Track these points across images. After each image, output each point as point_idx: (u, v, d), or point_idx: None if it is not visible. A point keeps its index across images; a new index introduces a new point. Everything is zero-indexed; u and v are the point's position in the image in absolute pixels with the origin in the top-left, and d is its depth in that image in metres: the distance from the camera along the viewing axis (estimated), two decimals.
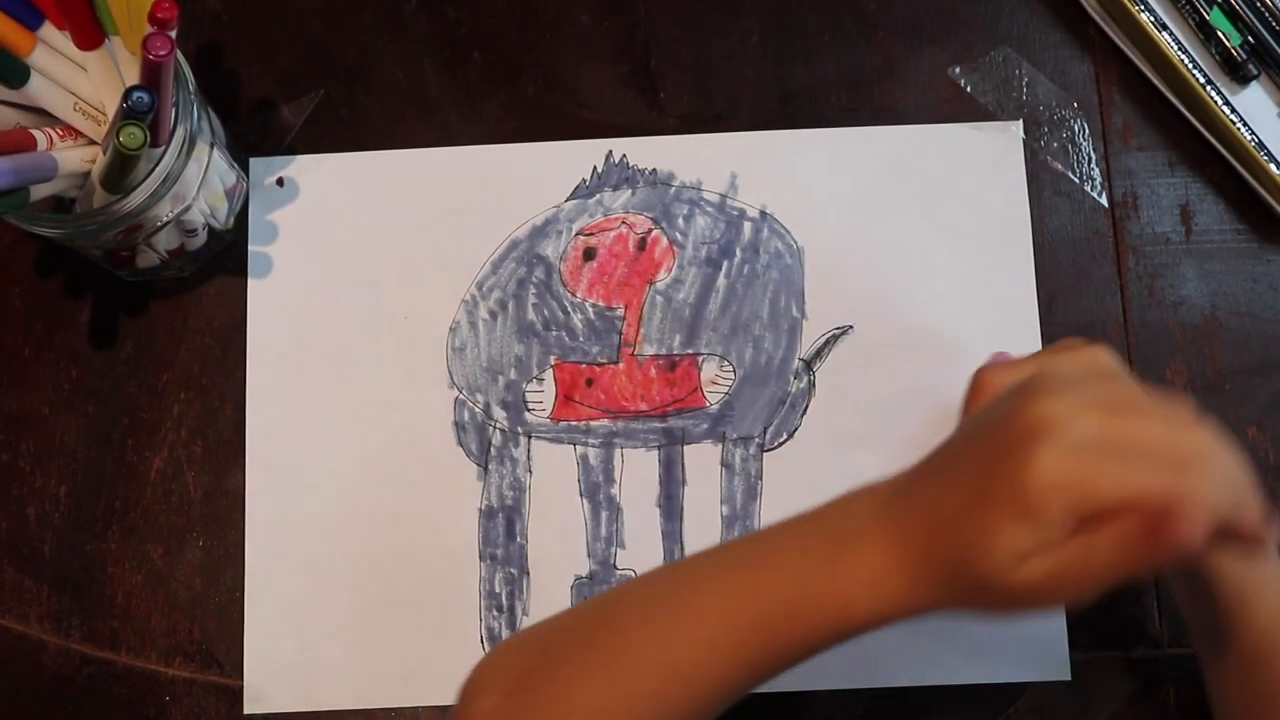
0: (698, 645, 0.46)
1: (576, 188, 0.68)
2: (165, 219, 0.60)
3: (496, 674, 0.50)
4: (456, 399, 0.66)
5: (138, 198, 0.57)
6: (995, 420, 0.42)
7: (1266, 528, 0.41)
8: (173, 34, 0.54)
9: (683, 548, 0.64)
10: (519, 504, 0.65)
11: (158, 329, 0.67)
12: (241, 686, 0.63)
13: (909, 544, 0.43)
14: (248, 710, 0.63)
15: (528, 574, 0.64)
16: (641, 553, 0.64)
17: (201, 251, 0.66)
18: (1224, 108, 0.66)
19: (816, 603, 0.44)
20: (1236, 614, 0.50)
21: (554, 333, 0.66)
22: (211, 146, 0.61)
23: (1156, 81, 0.68)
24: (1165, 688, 0.62)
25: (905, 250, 0.67)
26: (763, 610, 0.45)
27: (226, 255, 0.68)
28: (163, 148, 0.57)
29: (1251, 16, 0.67)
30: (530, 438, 0.65)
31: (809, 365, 0.66)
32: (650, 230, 0.68)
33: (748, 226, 0.67)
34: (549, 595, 0.64)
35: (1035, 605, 0.41)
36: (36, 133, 0.58)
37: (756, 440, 0.65)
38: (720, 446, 0.65)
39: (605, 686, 0.47)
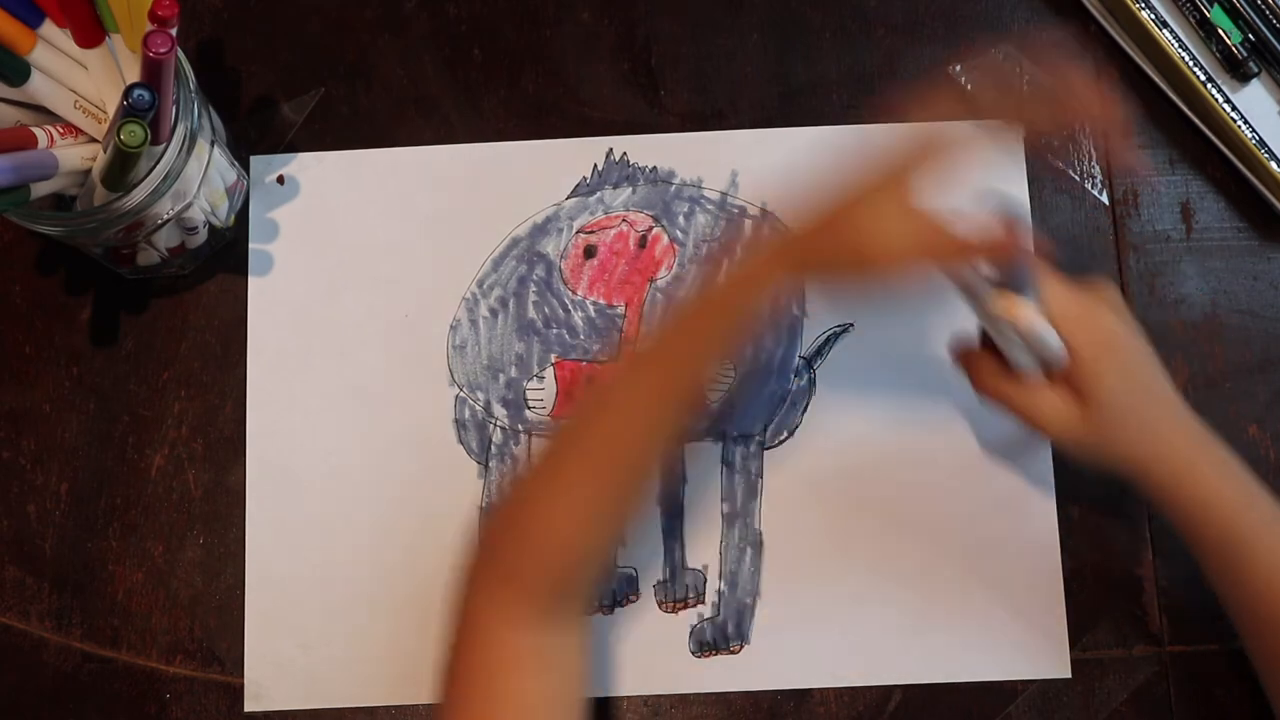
0: (647, 394, 0.55)
1: (577, 186, 0.68)
2: (166, 217, 0.60)
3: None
4: (457, 397, 0.66)
5: (138, 195, 0.57)
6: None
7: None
8: (173, 32, 0.54)
9: (683, 545, 0.64)
10: None
11: (158, 327, 0.67)
12: (242, 684, 0.63)
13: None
14: (248, 708, 0.63)
15: None
16: (642, 550, 0.64)
17: (202, 249, 0.66)
18: (1224, 105, 0.66)
19: (717, 303, 0.55)
20: (1234, 565, 0.56)
21: (555, 330, 0.66)
22: (212, 144, 0.61)
23: (1157, 79, 0.68)
24: (1165, 686, 0.62)
25: None
26: (682, 327, 0.55)
27: (227, 253, 0.68)
28: (163, 145, 0.57)
29: (1252, 14, 0.67)
30: (531, 435, 0.65)
31: (809, 363, 0.66)
32: (651, 228, 0.68)
33: (748, 224, 0.67)
34: None
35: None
36: (37, 130, 0.58)
37: (757, 438, 0.65)
38: (721, 444, 0.65)
39: (576, 466, 0.55)
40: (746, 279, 0.54)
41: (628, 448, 0.55)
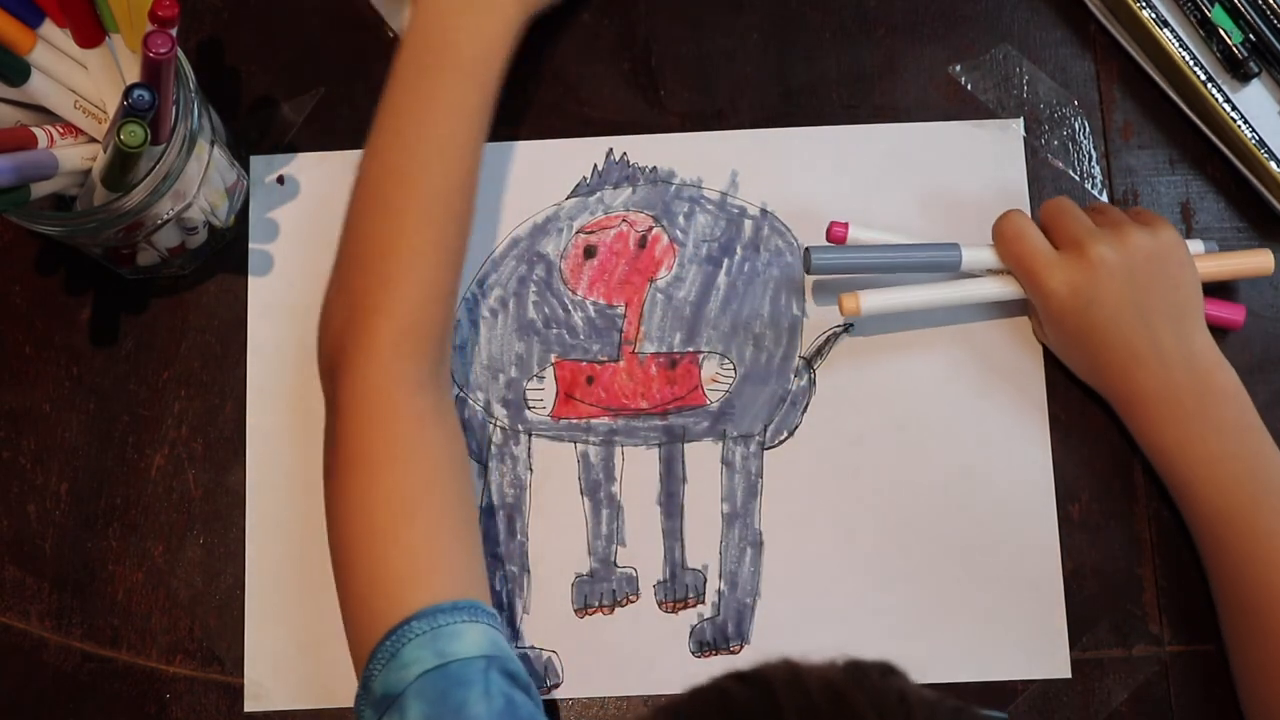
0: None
1: (577, 185, 0.68)
2: (166, 217, 0.60)
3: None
4: (457, 396, 0.66)
5: (138, 195, 0.57)
6: None
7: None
8: (173, 32, 0.54)
9: (683, 546, 0.64)
10: (519, 502, 0.65)
11: (158, 327, 0.67)
12: (242, 684, 0.63)
13: None
14: (248, 708, 0.63)
15: (528, 572, 0.64)
16: (642, 550, 0.64)
17: (202, 249, 0.66)
18: (1225, 105, 0.66)
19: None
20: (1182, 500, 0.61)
21: (555, 330, 0.66)
22: (212, 144, 0.61)
23: (1157, 79, 0.68)
24: (1165, 686, 0.62)
25: None
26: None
27: (227, 253, 0.68)
28: (163, 145, 0.57)
29: (1253, 14, 0.67)
30: (531, 436, 0.65)
31: (809, 363, 0.66)
32: (651, 228, 0.68)
33: (748, 224, 0.67)
34: (549, 593, 0.64)
35: None
36: (37, 130, 0.58)
37: (757, 438, 0.65)
38: (721, 444, 0.65)
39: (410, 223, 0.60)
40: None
41: (449, 193, 0.60)
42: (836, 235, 0.64)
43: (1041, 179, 0.68)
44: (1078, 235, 0.61)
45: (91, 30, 0.58)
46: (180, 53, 0.57)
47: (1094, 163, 0.68)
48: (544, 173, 0.68)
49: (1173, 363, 0.60)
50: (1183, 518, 0.62)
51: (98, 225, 0.58)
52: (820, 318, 0.66)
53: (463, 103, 0.61)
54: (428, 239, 0.59)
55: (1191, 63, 0.66)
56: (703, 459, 0.65)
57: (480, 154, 0.62)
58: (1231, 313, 0.64)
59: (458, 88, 0.61)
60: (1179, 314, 0.61)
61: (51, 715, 0.63)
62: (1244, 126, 0.66)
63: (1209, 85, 0.66)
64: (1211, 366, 0.60)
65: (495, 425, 0.65)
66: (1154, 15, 0.67)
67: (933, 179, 0.68)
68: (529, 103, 0.69)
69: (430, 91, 0.61)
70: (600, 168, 0.68)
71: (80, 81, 0.60)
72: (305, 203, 0.68)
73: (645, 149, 0.68)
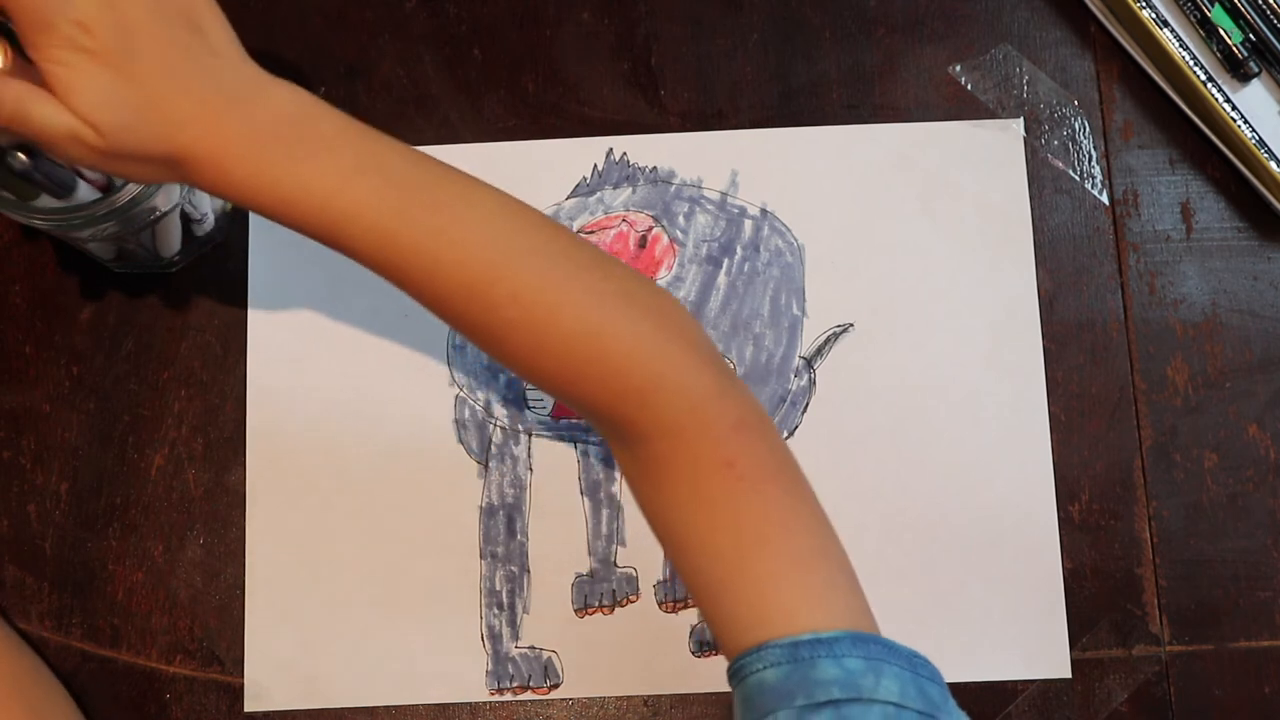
0: None
1: (577, 186, 0.68)
2: (161, 212, 0.60)
3: None
4: (457, 396, 0.66)
5: (132, 189, 0.57)
6: None
7: None
8: None
9: None
10: (519, 502, 0.65)
11: (158, 326, 0.67)
12: (243, 684, 0.63)
13: None
14: (249, 708, 0.63)
15: (528, 572, 0.64)
16: (642, 550, 0.64)
17: (203, 247, 0.66)
18: (1225, 105, 0.66)
19: None
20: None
21: None
22: None
23: (1157, 79, 0.68)
24: (1165, 686, 0.63)
25: (906, 248, 0.67)
26: None
27: (228, 252, 0.68)
28: None
29: (1253, 14, 0.67)
30: (531, 435, 0.65)
31: (810, 363, 0.66)
32: (651, 228, 0.68)
33: (748, 224, 0.67)
34: (549, 593, 0.64)
35: None
36: None
37: None
38: None
39: None
40: None
41: None
42: None
43: (1041, 179, 0.68)
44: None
45: None
46: None
47: (1094, 163, 0.68)
48: (544, 173, 0.68)
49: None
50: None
51: (86, 220, 0.57)
52: (820, 318, 0.66)
53: None
54: None
55: (1191, 63, 0.66)
56: None
57: None
58: None
59: None
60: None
61: None
62: (1244, 126, 0.66)
63: (1209, 85, 0.66)
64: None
65: (495, 425, 0.65)
66: (1154, 15, 0.67)
67: (933, 179, 0.68)
68: (529, 102, 0.69)
69: None
70: (600, 168, 0.68)
71: None
72: None
73: (645, 149, 0.68)
